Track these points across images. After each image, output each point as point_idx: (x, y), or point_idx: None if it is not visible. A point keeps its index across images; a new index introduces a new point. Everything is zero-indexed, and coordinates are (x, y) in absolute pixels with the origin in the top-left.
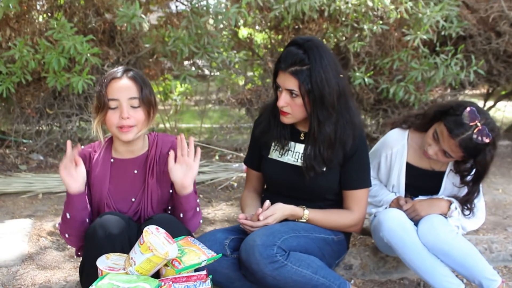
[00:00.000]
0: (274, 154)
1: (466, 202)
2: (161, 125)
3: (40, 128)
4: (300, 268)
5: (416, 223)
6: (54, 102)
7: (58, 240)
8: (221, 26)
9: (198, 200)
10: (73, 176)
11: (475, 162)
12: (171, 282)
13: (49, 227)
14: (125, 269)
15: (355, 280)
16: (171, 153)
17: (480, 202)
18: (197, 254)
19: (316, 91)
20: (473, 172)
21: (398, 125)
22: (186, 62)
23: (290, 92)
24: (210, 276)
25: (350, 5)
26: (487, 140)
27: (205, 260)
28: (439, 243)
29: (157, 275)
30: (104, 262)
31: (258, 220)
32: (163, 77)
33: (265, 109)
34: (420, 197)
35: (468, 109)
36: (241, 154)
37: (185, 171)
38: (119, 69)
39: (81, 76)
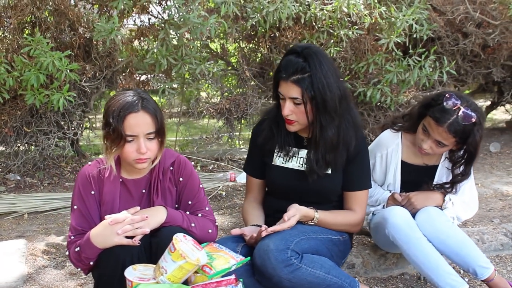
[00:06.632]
0: (278, 161)
1: (457, 183)
2: None
3: (18, 147)
4: (314, 269)
5: (412, 215)
6: (32, 120)
7: (55, 258)
8: (198, 37)
9: (186, 214)
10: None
11: (466, 145)
12: None
13: (43, 246)
14: (155, 278)
15: (359, 278)
16: None
17: (472, 191)
18: (226, 259)
19: (318, 97)
20: (464, 155)
21: (388, 127)
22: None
23: (294, 100)
24: (241, 280)
25: (325, 11)
26: (473, 120)
27: (234, 264)
28: (436, 233)
29: (184, 283)
30: (132, 273)
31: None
32: None
33: (266, 117)
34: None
35: (447, 95)
36: (222, 164)
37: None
38: (133, 99)
39: (61, 93)
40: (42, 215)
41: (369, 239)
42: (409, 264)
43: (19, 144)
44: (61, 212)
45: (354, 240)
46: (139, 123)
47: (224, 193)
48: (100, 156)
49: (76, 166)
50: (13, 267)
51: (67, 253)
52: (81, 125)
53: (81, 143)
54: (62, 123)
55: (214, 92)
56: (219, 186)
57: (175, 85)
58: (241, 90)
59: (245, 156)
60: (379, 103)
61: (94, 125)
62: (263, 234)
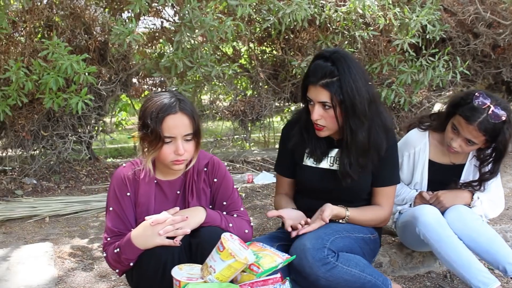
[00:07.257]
0: (309, 161)
1: (485, 181)
2: None
3: (34, 151)
4: (349, 267)
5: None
6: (48, 123)
7: (82, 261)
8: (214, 40)
9: (223, 213)
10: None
11: (496, 143)
12: (249, 287)
13: (68, 249)
14: (203, 278)
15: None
16: None
17: (499, 190)
18: (272, 257)
19: (347, 100)
20: (492, 154)
21: (415, 126)
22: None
23: (323, 104)
24: (288, 278)
25: (340, 13)
26: (503, 118)
27: (281, 263)
28: (467, 230)
29: (231, 282)
30: (179, 273)
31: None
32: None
33: (295, 121)
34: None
35: (477, 94)
36: (237, 165)
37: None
38: (171, 101)
39: (79, 96)
40: (63, 218)
41: (393, 238)
42: (435, 263)
43: (35, 148)
44: (82, 215)
45: None
46: (177, 124)
47: (243, 195)
48: (107, 158)
49: (91, 170)
50: (43, 269)
51: (104, 254)
52: (96, 128)
53: (94, 146)
54: (78, 126)
55: (224, 96)
56: (238, 188)
57: (190, 88)
58: (253, 92)
59: (259, 158)
60: (392, 104)
61: (107, 128)
62: (301, 232)
